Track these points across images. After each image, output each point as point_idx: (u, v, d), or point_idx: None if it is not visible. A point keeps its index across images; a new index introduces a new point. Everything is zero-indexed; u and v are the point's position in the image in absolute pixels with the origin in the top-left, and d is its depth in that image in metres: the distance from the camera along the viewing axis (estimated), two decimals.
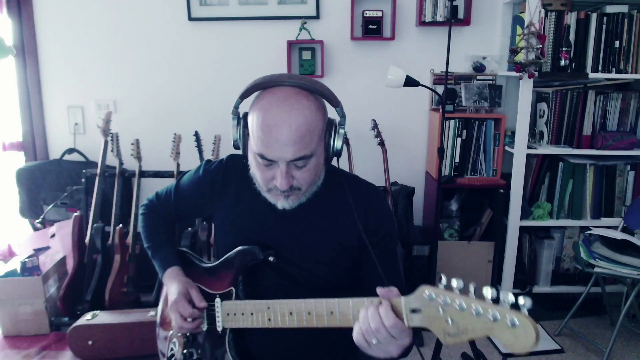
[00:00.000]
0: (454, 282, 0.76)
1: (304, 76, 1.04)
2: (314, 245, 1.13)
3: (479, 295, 0.74)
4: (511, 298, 0.70)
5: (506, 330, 0.69)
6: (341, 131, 1.06)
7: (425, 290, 0.79)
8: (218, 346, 1.15)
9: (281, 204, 1.06)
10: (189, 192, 1.27)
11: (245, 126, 1.05)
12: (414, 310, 0.81)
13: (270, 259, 1.11)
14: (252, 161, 1.06)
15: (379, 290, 0.87)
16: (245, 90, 1.04)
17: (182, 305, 1.13)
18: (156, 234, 1.30)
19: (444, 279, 0.78)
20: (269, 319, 1.03)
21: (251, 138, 1.03)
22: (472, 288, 0.76)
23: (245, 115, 1.06)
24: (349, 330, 0.92)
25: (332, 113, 1.07)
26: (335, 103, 1.06)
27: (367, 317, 0.86)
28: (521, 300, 0.69)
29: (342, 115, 1.06)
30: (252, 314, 1.07)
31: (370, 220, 1.12)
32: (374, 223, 1.12)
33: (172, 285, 1.19)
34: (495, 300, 0.72)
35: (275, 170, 1.01)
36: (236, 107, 1.07)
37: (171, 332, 1.24)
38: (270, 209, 1.12)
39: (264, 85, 1.02)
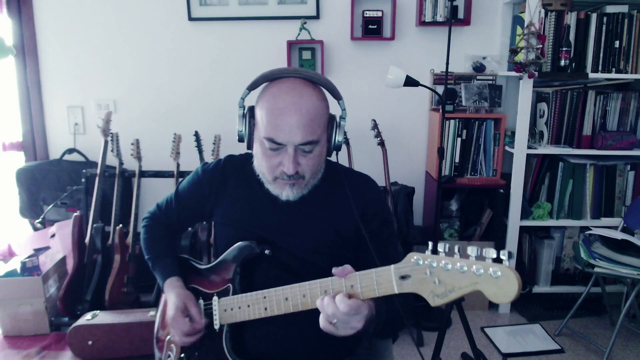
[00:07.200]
0: (440, 247, 0.80)
1: (308, 70, 1.09)
2: (313, 235, 1.15)
3: (464, 255, 0.78)
4: (493, 253, 0.73)
5: (490, 282, 0.72)
6: (342, 123, 1.12)
7: (413, 257, 0.83)
8: (215, 345, 1.15)
9: (285, 193, 1.10)
10: (189, 193, 1.28)
11: (252, 116, 1.10)
12: (403, 277, 0.84)
13: (267, 252, 1.12)
14: (258, 150, 1.10)
15: (334, 270, 0.93)
16: (254, 81, 1.10)
17: (179, 322, 1.14)
18: (156, 245, 1.31)
19: (430, 245, 0.81)
20: (265, 308, 1.05)
21: (259, 125, 1.07)
22: (456, 249, 0.80)
23: (252, 107, 1.11)
24: None
25: (333, 107, 1.11)
26: (338, 96, 1.13)
27: (323, 306, 0.92)
28: (502, 254, 0.73)
29: (343, 108, 1.13)
30: (248, 306, 1.08)
31: (367, 208, 1.16)
32: (371, 211, 1.16)
33: (170, 298, 1.20)
34: (479, 258, 0.75)
35: (283, 156, 1.05)
36: (243, 98, 1.11)
37: (168, 337, 1.24)
38: (269, 202, 1.15)
39: (271, 77, 1.08)
